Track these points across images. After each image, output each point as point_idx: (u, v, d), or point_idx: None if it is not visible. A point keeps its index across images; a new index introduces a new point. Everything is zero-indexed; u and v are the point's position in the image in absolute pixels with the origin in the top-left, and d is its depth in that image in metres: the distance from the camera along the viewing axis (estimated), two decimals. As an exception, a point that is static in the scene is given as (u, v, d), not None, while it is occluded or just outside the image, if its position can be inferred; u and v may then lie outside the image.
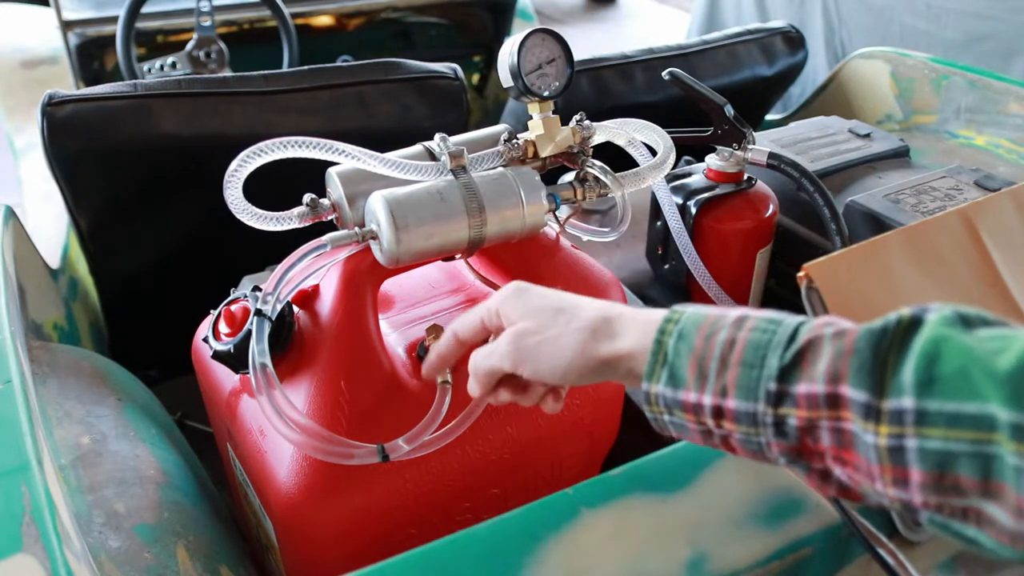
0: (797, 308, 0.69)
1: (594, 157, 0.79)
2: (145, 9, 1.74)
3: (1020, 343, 0.37)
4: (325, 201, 0.72)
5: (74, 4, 1.92)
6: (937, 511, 0.40)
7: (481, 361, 0.58)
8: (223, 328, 0.73)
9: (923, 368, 0.39)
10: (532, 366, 0.54)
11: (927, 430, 0.38)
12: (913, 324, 0.41)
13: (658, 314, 0.51)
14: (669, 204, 1.10)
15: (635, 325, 0.51)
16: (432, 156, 0.73)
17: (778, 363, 0.44)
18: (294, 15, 1.93)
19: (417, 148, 0.74)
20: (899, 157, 1.31)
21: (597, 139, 0.80)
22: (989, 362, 0.37)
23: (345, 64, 1.17)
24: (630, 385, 0.55)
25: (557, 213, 0.79)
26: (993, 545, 0.39)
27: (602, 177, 0.78)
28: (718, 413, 0.46)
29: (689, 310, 0.50)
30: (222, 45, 1.85)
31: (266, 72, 1.14)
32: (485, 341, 0.62)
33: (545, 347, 0.54)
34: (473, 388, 0.61)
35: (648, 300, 1.21)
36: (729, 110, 1.05)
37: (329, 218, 0.73)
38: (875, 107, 1.68)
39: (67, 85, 1.86)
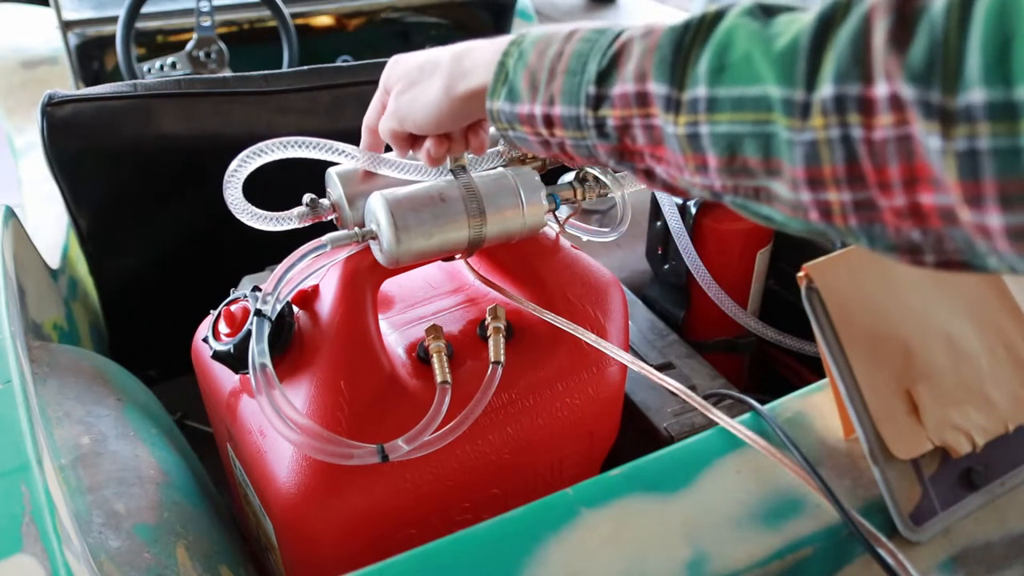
0: (797, 308, 0.69)
1: (594, 157, 0.79)
2: (145, 9, 1.73)
3: (800, 24, 0.38)
4: (325, 201, 0.72)
5: (74, 4, 1.91)
6: (734, 193, 0.43)
7: (382, 125, 0.64)
8: (223, 328, 0.73)
9: (716, 57, 0.40)
10: (412, 120, 0.60)
11: (716, 116, 0.40)
12: (716, 18, 0.42)
13: (506, 41, 0.53)
14: (669, 204, 1.10)
15: (484, 56, 0.54)
16: (432, 156, 0.73)
17: (596, 68, 0.46)
18: (294, 15, 1.93)
19: (417, 148, 0.74)
20: (899, 157, 1.31)
21: (597, 139, 0.80)
22: (769, 44, 0.38)
23: (345, 64, 1.17)
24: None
25: (557, 213, 0.79)
26: (782, 219, 0.41)
27: (602, 177, 0.78)
28: (548, 121, 0.49)
29: (532, 32, 0.52)
30: (222, 45, 1.85)
31: (266, 72, 1.14)
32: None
33: (417, 100, 0.59)
34: (396, 151, 0.66)
35: (648, 300, 1.21)
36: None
37: (329, 218, 0.73)
38: (875, 107, 1.68)
39: (67, 85, 1.86)
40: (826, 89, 0.35)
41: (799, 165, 0.38)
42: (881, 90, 0.34)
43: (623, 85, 0.45)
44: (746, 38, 0.39)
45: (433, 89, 0.57)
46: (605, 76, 0.46)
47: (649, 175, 0.48)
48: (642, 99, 0.44)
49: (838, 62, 0.35)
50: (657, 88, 0.43)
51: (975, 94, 0.30)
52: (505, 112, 0.52)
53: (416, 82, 0.59)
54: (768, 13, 0.41)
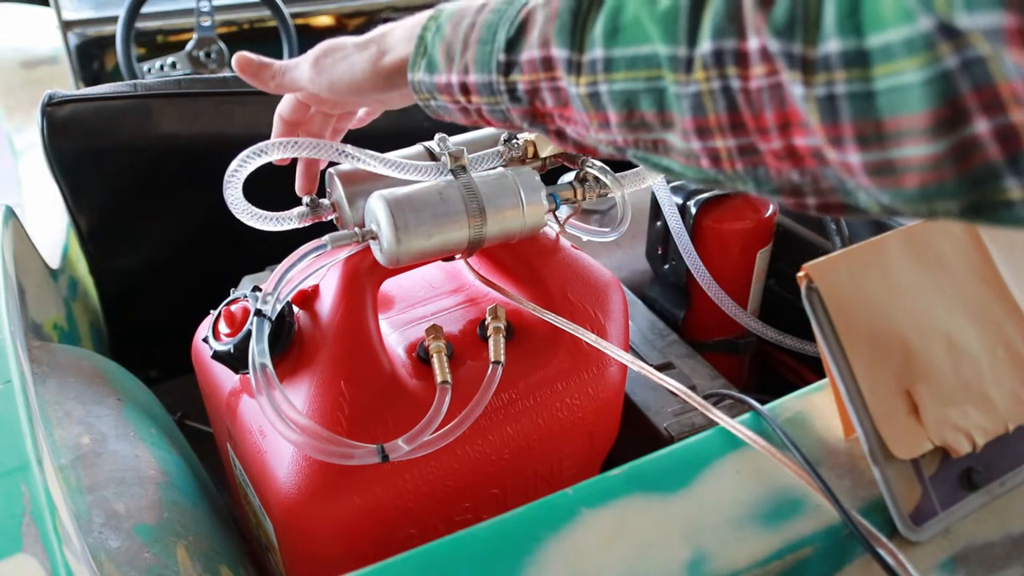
0: (797, 308, 0.69)
1: (594, 157, 0.79)
2: (145, 9, 1.74)
3: None
4: (325, 201, 0.72)
5: (74, 4, 1.91)
6: (635, 147, 0.46)
7: (287, 74, 0.64)
8: (223, 328, 0.73)
9: (610, 20, 0.43)
10: (328, 81, 0.61)
11: (613, 75, 0.44)
12: None
13: (425, 16, 0.56)
14: (669, 204, 1.10)
15: (406, 32, 0.58)
16: (432, 156, 0.73)
17: (505, 36, 0.49)
18: (294, 15, 1.93)
19: (417, 148, 0.74)
20: (899, 157, 1.31)
21: (597, 139, 0.80)
22: (654, 6, 0.41)
23: None
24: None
25: (557, 213, 0.79)
26: (680, 168, 0.45)
27: (602, 177, 0.78)
28: (464, 89, 0.52)
29: (448, 7, 0.54)
30: (222, 45, 1.86)
31: (266, 72, 1.13)
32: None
33: (340, 65, 0.61)
34: (285, 108, 0.68)
35: (648, 300, 1.21)
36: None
37: (329, 218, 0.73)
38: (875, 107, 1.67)
39: (67, 85, 1.86)
40: (705, 45, 0.39)
41: (687, 116, 0.41)
42: (753, 44, 0.37)
43: (529, 51, 0.48)
44: (635, 1, 0.42)
45: (359, 60, 0.60)
46: (513, 44, 0.49)
47: (560, 135, 0.51)
48: (547, 63, 0.47)
49: (715, 20, 0.38)
50: (559, 52, 0.46)
51: (831, 44, 0.34)
52: (425, 83, 0.55)
53: (341, 50, 0.61)
54: None
